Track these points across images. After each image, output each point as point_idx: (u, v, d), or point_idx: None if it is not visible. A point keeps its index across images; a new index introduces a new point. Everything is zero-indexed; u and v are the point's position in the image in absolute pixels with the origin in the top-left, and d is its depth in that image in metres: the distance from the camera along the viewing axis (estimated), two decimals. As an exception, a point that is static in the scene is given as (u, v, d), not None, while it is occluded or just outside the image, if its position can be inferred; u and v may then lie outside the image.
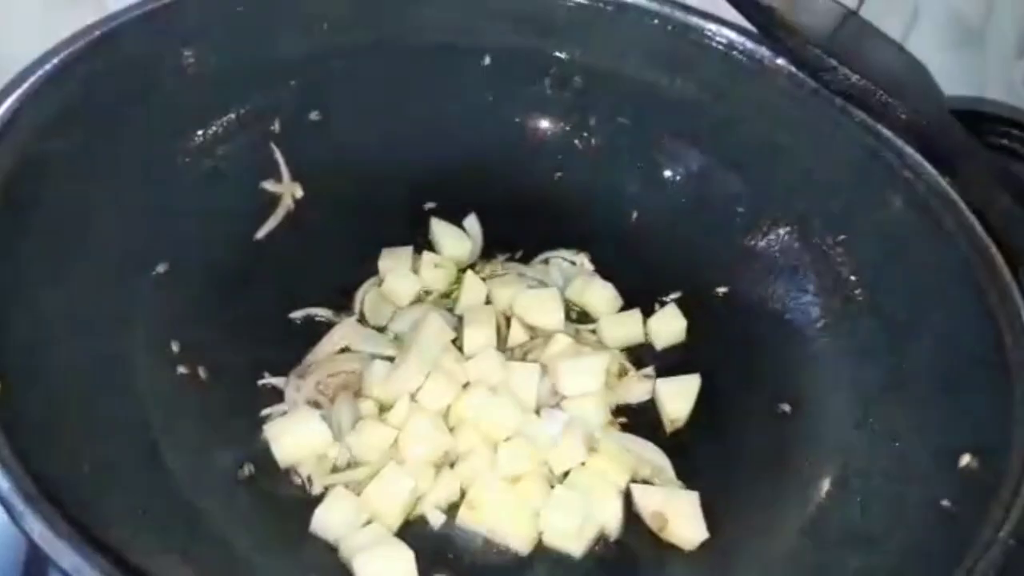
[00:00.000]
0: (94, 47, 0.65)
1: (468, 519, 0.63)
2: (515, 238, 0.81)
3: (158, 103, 0.70)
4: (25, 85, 0.62)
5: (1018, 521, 0.51)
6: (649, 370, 0.74)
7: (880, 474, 0.64)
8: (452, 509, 0.64)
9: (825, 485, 0.66)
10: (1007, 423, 0.57)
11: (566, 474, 0.66)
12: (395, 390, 0.67)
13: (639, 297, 0.78)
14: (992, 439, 0.57)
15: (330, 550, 0.61)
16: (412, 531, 0.63)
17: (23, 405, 0.53)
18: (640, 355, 0.76)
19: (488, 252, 0.81)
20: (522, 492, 0.64)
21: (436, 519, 0.64)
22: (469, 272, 0.78)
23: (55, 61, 0.64)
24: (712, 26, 0.78)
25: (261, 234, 0.77)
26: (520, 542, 0.63)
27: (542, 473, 0.65)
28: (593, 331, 0.77)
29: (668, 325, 0.76)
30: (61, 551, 0.44)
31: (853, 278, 0.73)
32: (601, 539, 0.65)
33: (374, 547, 0.60)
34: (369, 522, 0.62)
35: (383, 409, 0.68)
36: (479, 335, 0.71)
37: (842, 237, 0.74)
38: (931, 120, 0.70)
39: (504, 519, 0.63)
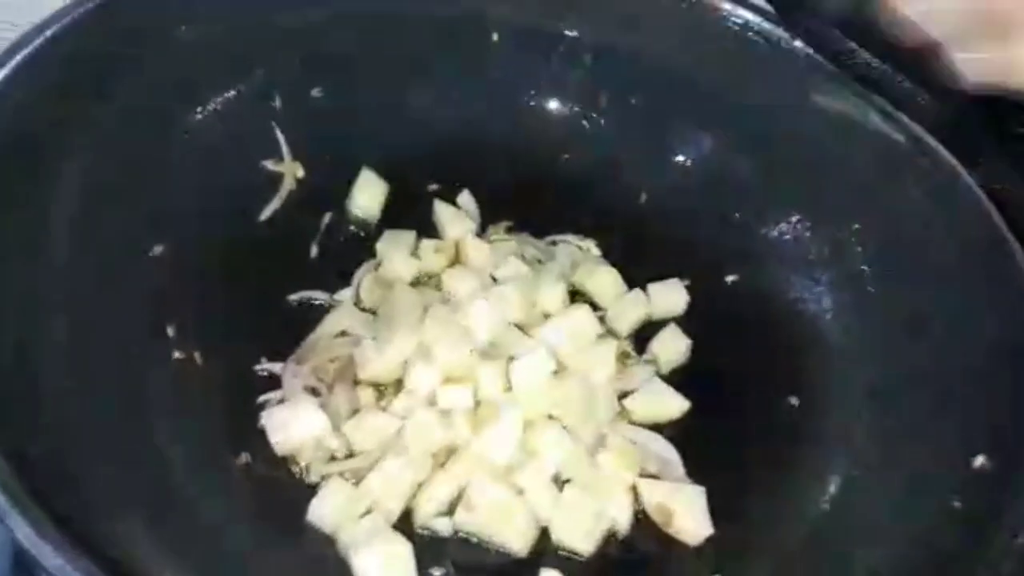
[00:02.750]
0: (88, 19, 0.63)
1: (466, 521, 0.62)
2: (520, 220, 0.79)
3: (154, 79, 0.68)
4: (17, 58, 0.60)
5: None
6: (650, 355, 0.73)
7: (891, 471, 0.63)
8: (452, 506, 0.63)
9: (834, 481, 0.65)
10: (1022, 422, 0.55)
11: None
12: (385, 364, 0.66)
13: (647, 283, 0.76)
14: (1008, 439, 0.55)
15: (327, 541, 0.60)
16: (411, 523, 0.62)
17: (11, 392, 0.52)
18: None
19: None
20: (521, 493, 0.63)
21: (441, 525, 0.62)
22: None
23: (47, 34, 0.62)
24: (728, 5, 0.75)
25: (264, 215, 0.75)
26: (519, 545, 0.62)
27: (541, 471, 0.64)
28: (602, 318, 0.75)
29: (668, 297, 0.75)
30: (46, 553, 0.42)
31: (867, 268, 0.71)
32: (609, 536, 0.64)
33: (372, 539, 0.59)
34: (367, 513, 0.61)
35: (381, 396, 0.66)
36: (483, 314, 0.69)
37: (856, 226, 0.72)
38: (952, 107, 0.67)
39: (502, 522, 0.62)
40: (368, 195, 0.77)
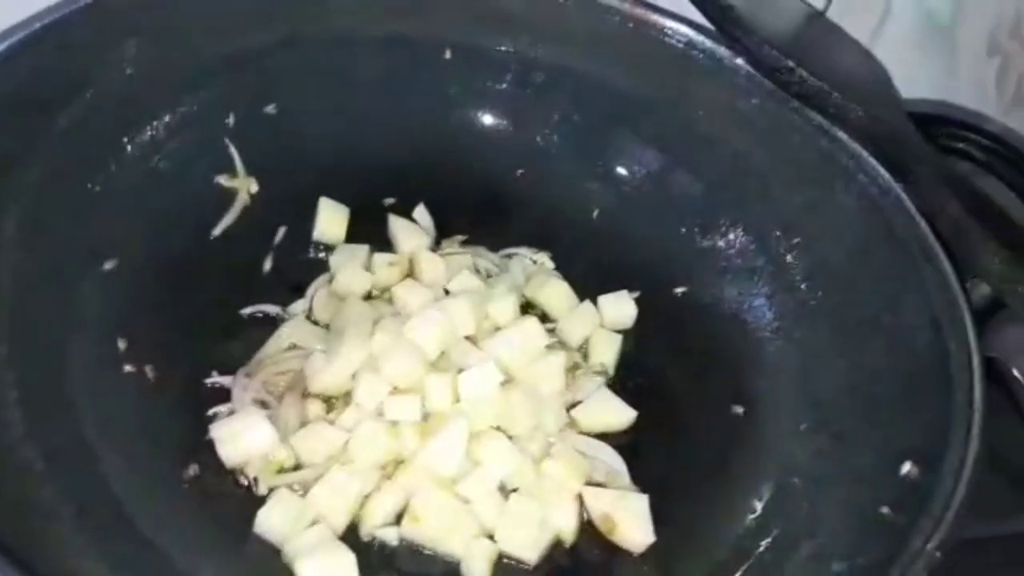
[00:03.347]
0: (36, 39, 0.64)
1: (412, 531, 0.63)
2: (476, 235, 0.81)
3: (103, 95, 0.68)
4: (-37, 77, 0.61)
5: (948, 532, 0.51)
6: (599, 366, 0.74)
7: (826, 478, 0.64)
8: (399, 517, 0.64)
9: (771, 487, 0.66)
10: (946, 432, 0.57)
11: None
12: (334, 376, 0.67)
13: (599, 295, 0.77)
14: (932, 447, 0.57)
15: (274, 552, 0.61)
16: (357, 535, 0.63)
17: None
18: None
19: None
20: (466, 503, 0.64)
21: (388, 535, 0.63)
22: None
23: (-4, 52, 0.63)
24: (671, 23, 0.77)
25: (218, 230, 0.76)
26: (463, 552, 0.63)
27: (486, 481, 0.65)
28: (552, 330, 0.76)
29: (618, 309, 0.76)
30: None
31: (806, 282, 0.73)
32: (556, 544, 0.65)
33: (317, 550, 0.60)
34: (314, 524, 0.62)
35: (330, 409, 0.67)
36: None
37: (796, 240, 0.74)
38: (886, 124, 0.69)
39: (448, 532, 0.63)
40: (331, 222, 0.78)
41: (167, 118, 0.74)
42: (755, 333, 0.75)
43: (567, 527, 0.65)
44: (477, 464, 0.65)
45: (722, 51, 0.76)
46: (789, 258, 0.74)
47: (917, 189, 0.67)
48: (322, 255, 0.77)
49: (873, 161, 0.70)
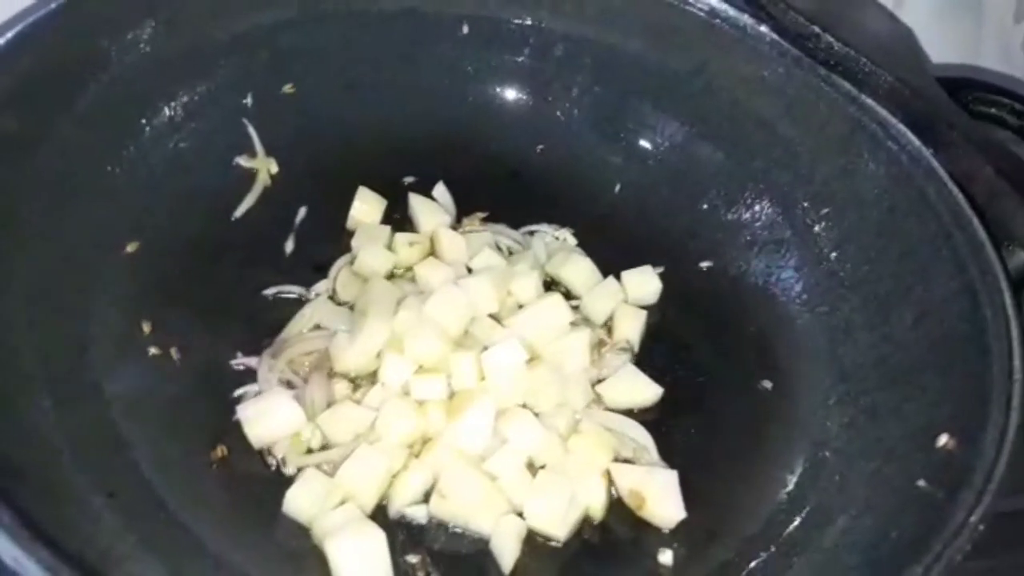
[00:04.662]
0: (49, 19, 0.64)
1: (440, 508, 0.63)
2: (497, 212, 0.80)
3: (120, 76, 0.68)
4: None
5: (990, 505, 0.50)
6: (624, 342, 0.73)
7: (858, 452, 0.63)
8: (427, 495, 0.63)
9: (802, 462, 0.66)
10: (985, 404, 0.56)
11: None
12: (358, 355, 0.67)
13: (623, 271, 0.76)
14: (970, 420, 0.56)
15: (303, 531, 0.61)
16: (385, 514, 0.63)
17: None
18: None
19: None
20: (493, 480, 0.64)
21: (416, 513, 0.63)
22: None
23: (10, 34, 0.62)
24: (694, -8, 0.76)
25: (240, 212, 0.75)
26: (491, 528, 0.62)
27: (513, 458, 0.64)
28: (576, 307, 0.75)
29: (642, 285, 0.76)
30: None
31: (835, 253, 0.72)
32: (584, 521, 0.64)
33: (346, 528, 0.59)
34: (342, 503, 0.62)
35: (356, 388, 0.67)
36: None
37: (825, 210, 0.73)
38: (915, 89, 0.68)
39: (476, 509, 0.62)
40: (366, 212, 0.77)
41: (185, 99, 0.73)
42: (783, 306, 0.74)
43: (596, 503, 0.65)
44: (504, 441, 0.65)
45: (745, 19, 0.74)
46: (817, 229, 0.73)
47: (949, 155, 0.66)
48: (344, 235, 0.76)
49: (903, 128, 0.68)
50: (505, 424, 0.65)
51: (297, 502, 0.61)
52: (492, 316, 0.72)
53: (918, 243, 0.66)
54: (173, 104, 0.72)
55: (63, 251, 0.63)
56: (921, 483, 0.57)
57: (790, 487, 0.64)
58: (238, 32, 0.74)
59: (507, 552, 0.61)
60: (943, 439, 0.58)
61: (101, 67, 0.67)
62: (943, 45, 0.86)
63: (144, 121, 0.71)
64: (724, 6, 0.75)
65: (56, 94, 0.64)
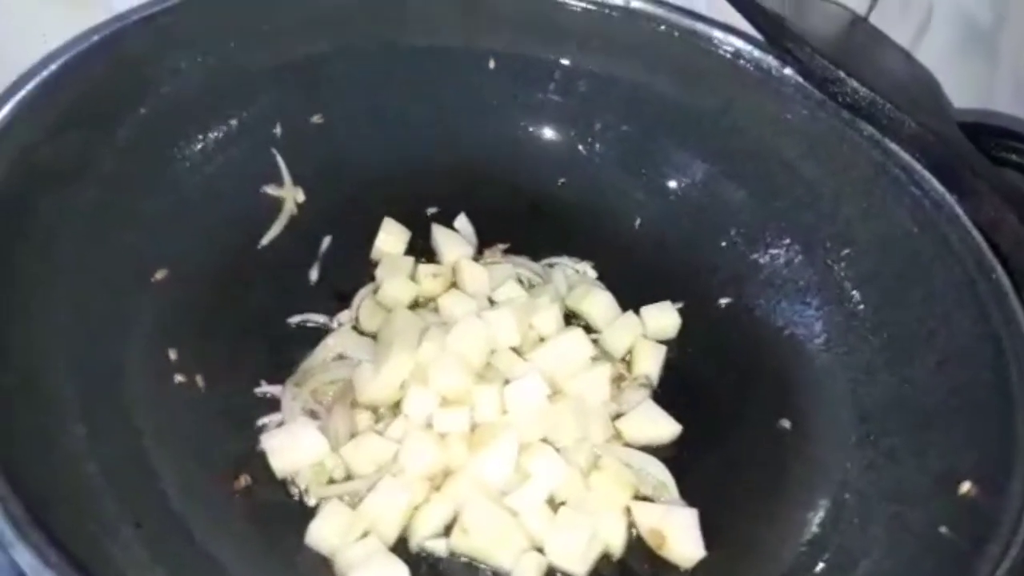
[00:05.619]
0: (92, 52, 0.65)
1: (461, 543, 0.63)
2: (518, 245, 0.80)
3: (158, 108, 0.69)
4: (23, 91, 0.62)
5: (1016, 559, 0.50)
6: (643, 377, 0.74)
7: (879, 496, 0.63)
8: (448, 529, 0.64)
9: (824, 504, 0.66)
10: (1009, 451, 0.56)
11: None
12: (383, 387, 0.67)
13: (642, 307, 0.77)
14: (993, 467, 0.56)
15: (325, 563, 0.61)
16: (406, 547, 0.63)
17: (17, 413, 0.53)
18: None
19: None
20: (514, 516, 0.64)
21: (437, 547, 0.63)
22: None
23: (53, 67, 0.63)
24: (719, 33, 0.77)
25: (266, 240, 0.76)
26: (512, 565, 0.62)
27: (535, 494, 0.65)
28: (595, 340, 0.76)
29: (661, 320, 0.76)
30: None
31: (856, 294, 0.72)
32: (604, 558, 0.64)
33: (369, 562, 0.60)
34: (364, 535, 0.62)
35: (379, 419, 0.67)
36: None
37: (847, 252, 0.73)
38: (939, 135, 0.69)
39: (497, 545, 0.63)
40: (390, 243, 0.78)
41: (217, 131, 0.74)
42: (803, 346, 0.74)
43: (616, 540, 0.65)
44: (526, 477, 0.65)
45: (770, 61, 0.75)
46: (838, 270, 0.74)
47: (973, 202, 0.66)
48: (368, 265, 0.77)
49: (926, 173, 0.69)
50: (527, 459, 0.66)
51: (320, 534, 0.61)
52: (513, 349, 0.72)
53: (941, 288, 0.67)
54: (206, 135, 0.73)
55: (96, 279, 0.64)
56: (943, 530, 0.57)
57: (813, 528, 0.64)
58: (272, 65, 0.75)
59: None
60: (966, 486, 0.58)
61: (138, 101, 0.68)
62: (957, 88, 0.87)
63: (177, 152, 0.72)
64: (750, 47, 0.75)
65: (96, 127, 0.65)
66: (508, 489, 0.65)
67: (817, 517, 0.65)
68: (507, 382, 0.69)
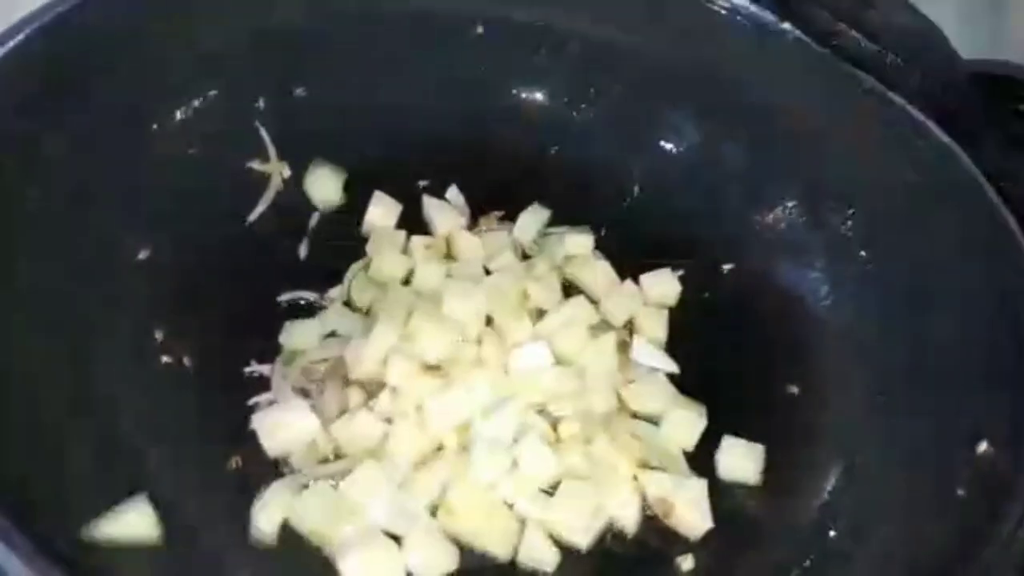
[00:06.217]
0: (64, 20, 0.62)
1: (448, 524, 0.61)
2: (513, 214, 0.78)
3: (133, 80, 0.67)
4: (-9, 62, 0.60)
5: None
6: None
7: (893, 460, 0.62)
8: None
9: (836, 470, 0.64)
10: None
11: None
12: (368, 360, 0.65)
13: (641, 275, 0.75)
14: (1010, 426, 0.54)
15: (315, 544, 0.59)
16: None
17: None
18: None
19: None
20: (501, 496, 0.62)
21: None
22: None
23: (21, 36, 0.61)
24: (714, -12, 0.74)
25: (253, 216, 0.74)
26: (501, 548, 0.60)
27: (525, 485, 0.62)
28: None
29: (660, 287, 0.74)
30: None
31: (863, 253, 0.70)
32: (616, 533, 0.63)
33: (359, 542, 0.58)
34: (351, 516, 0.60)
35: (371, 396, 0.65)
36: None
37: (851, 211, 0.71)
38: (946, 86, 0.66)
39: (483, 525, 0.60)
40: (381, 216, 0.76)
41: (196, 103, 0.72)
42: (810, 309, 0.72)
43: (622, 512, 0.63)
44: (517, 466, 0.63)
45: (767, 16, 0.72)
46: (844, 229, 0.71)
47: (983, 152, 0.64)
48: (358, 241, 0.75)
49: (932, 125, 0.66)
50: (519, 451, 0.63)
51: (303, 515, 0.59)
52: (513, 320, 0.70)
53: (950, 243, 0.64)
54: (184, 108, 0.71)
55: (73, 258, 0.62)
56: (961, 492, 0.55)
57: (824, 496, 0.62)
58: (249, 35, 0.72)
59: (547, 555, 0.60)
60: (983, 446, 0.56)
61: (109, 71, 0.66)
62: (967, 38, 0.84)
63: (155, 126, 0.69)
64: (745, 2, 0.73)
65: (63, 97, 0.63)
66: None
67: (829, 484, 0.63)
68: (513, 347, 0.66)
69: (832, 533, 0.60)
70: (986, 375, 0.59)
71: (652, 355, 0.70)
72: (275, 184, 0.76)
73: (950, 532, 0.54)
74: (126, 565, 0.50)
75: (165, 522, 0.55)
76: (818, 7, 0.68)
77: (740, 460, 0.66)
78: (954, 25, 0.74)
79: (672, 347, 0.72)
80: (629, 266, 0.75)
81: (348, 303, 0.71)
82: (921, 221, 0.67)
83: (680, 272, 0.75)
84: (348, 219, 0.76)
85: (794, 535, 0.61)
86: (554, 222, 0.78)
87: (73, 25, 0.63)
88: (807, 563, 0.59)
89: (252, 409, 0.64)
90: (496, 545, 0.60)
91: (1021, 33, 0.91)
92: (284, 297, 0.71)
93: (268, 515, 0.59)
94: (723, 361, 0.71)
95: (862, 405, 0.66)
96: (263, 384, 0.66)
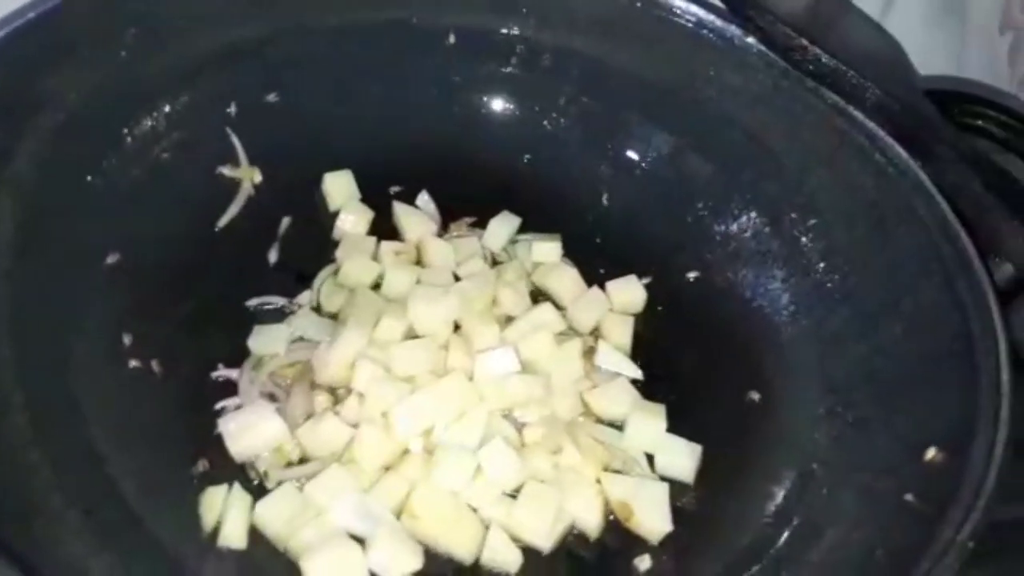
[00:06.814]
0: (34, 22, 0.62)
1: (412, 527, 0.61)
2: (483, 222, 0.79)
3: (103, 86, 0.67)
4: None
5: (978, 521, 0.50)
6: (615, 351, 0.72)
7: (846, 465, 0.63)
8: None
9: (791, 475, 0.65)
10: (973, 416, 0.55)
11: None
12: (335, 365, 0.66)
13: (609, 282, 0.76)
14: (958, 433, 0.56)
15: (279, 546, 0.60)
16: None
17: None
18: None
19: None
20: (466, 499, 0.63)
21: None
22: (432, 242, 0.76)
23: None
24: (680, 3, 0.75)
25: (223, 222, 0.75)
26: (465, 551, 0.61)
27: (489, 490, 0.63)
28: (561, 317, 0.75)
29: (626, 294, 0.75)
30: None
31: (823, 264, 0.72)
32: (570, 532, 0.64)
33: (323, 543, 0.59)
34: (317, 517, 0.60)
35: (337, 400, 0.66)
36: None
37: (812, 222, 0.72)
38: (904, 102, 0.68)
39: (447, 527, 0.61)
40: (339, 191, 0.77)
41: (167, 108, 0.72)
42: (770, 318, 0.73)
43: (585, 515, 0.64)
44: (481, 471, 0.63)
45: (733, 30, 0.74)
46: (804, 240, 0.73)
47: (937, 168, 0.65)
48: (329, 246, 0.75)
49: (890, 140, 0.68)
50: (484, 457, 0.64)
51: (267, 517, 0.60)
52: (480, 326, 0.71)
53: (906, 256, 0.66)
54: (155, 114, 0.71)
55: (41, 263, 0.62)
56: (909, 497, 0.56)
57: (778, 500, 0.64)
58: (221, 41, 0.73)
59: (510, 557, 0.61)
60: (931, 452, 0.57)
61: (81, 77, 0.66)
62: (927, 55, 0.86)
63: (126, 131, 0.70)
64: (712, 17, 0.74)
65: (30, 103, 0.63)
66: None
67: (783, 488, 0.64)
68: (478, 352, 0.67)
69: (786, 534, 0.61)
70: (937, 385, 0.61)
71: (617, 361, 0.72)
72: (246, 189, 0.76)
73: (899, 536, 0.55)
74: (92, 569, 0.50)
75: (131, 525, 0.56)
76: (780, 23, 0.69)
77: (677, 458, 0.67)
78: (912, 42, 0.76)
79: (636, 353, 0.73)
80: (596, 273, 0.76)
81: (317, 308, 0.72)
82: (878, 234, 0.68)
83: (646, 280, 0.76)
84: (319, 225, 0.77)
85: (749, 536, 0.62)
86: (524, 229, 0.79)
87: (42, 28, 0.63)
88: (761, 563, 0.60)
89: (219, 413, 0.65)
90: (460, 547, 0.61)
91: (976, 50, 0.93)
92: (253, 302, 0.71)
93: (234, 518, 0.59)
94: (686, 367, 0.72)
95: (819, 412, 0.67)
96: (231, 388, 0.66)
